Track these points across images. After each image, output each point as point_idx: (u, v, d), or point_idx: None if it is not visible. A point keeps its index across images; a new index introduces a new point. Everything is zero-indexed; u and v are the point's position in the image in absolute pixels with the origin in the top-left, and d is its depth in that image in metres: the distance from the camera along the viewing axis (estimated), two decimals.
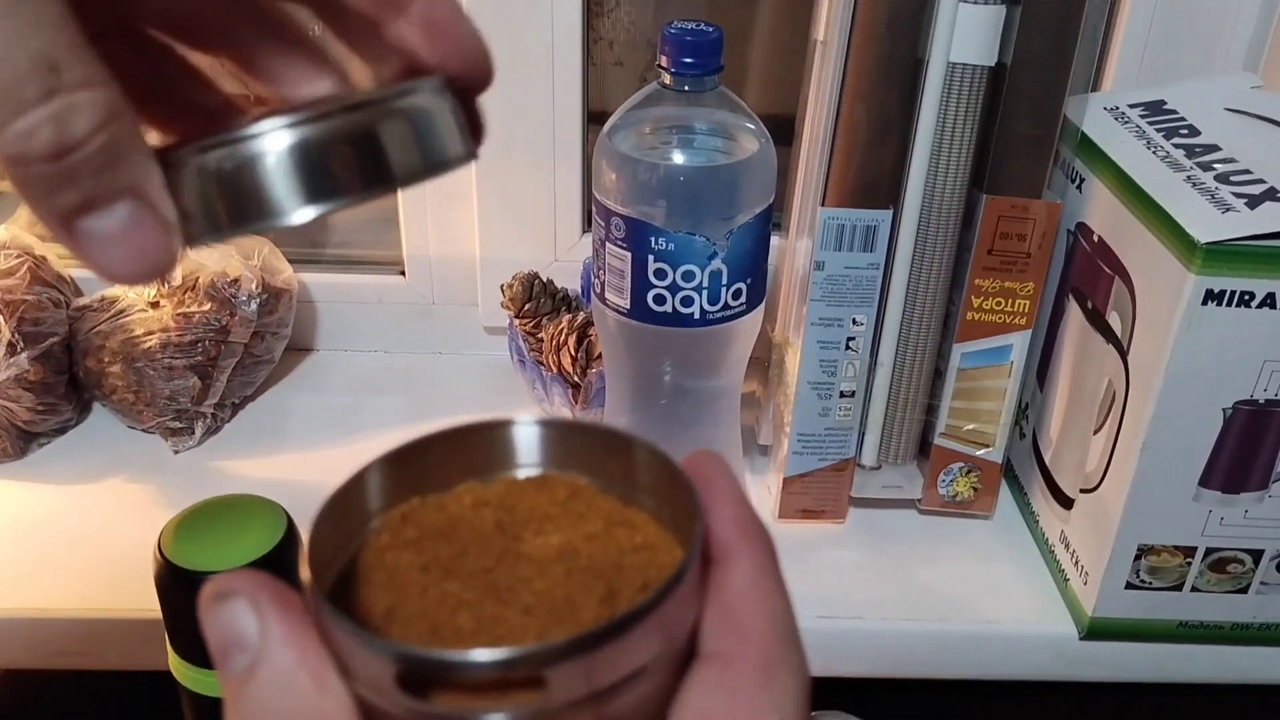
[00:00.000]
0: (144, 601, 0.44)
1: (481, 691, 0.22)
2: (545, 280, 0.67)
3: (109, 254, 0.23)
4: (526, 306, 0.66)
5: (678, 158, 0.50)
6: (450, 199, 0.73)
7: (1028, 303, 0.59)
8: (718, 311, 0.51)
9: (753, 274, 0.51)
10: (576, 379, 0.63)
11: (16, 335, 0.65)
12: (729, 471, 0.26)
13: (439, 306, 0.77)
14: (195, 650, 0.43)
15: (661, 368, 0.54)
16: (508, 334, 0.70)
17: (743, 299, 0.51)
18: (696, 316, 0.51)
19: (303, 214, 0.24)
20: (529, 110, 0.70)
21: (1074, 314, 0.60)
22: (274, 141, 0.24)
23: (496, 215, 0.73)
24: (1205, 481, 0.53)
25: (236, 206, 0.24)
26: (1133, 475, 0.54)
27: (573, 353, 0.63)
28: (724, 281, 0.50)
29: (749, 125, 0.51)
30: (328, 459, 0.68)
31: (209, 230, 0.25)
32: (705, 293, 0.50)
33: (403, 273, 0.76)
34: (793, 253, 0.63)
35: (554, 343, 0.64)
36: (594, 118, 0.73)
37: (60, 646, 0.58)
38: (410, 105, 0.26)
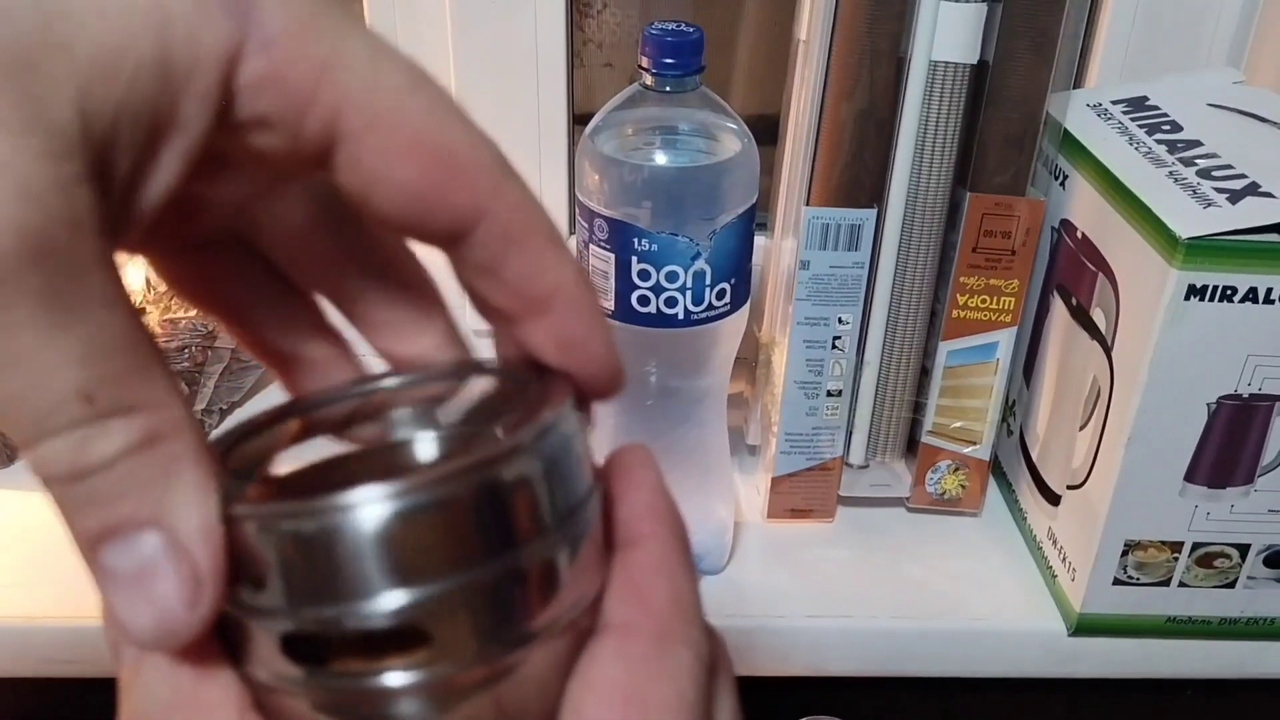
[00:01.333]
0: None
1: (372, 653, 0.21)
2: None
3: (119, 597, 0.20)
4: None
5: (660, 158, 0.50)
6: None
7: (1013, 300, 0.60)
8: (702, 312, 0.51)
9: (737, 274, 0.51)
10: None
11: None
12: (649, 461, 0.26)
13: None
14: None
15: (647, 368, 0.54)
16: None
17: (727, 299, 0.51)
18: (681, 317, 0.51)
19: (394, 599, 0.20)
20: (514, 112, 0.70)
21: (1059, 310, 0.61)
22: (371, 512, 0.20)
23: None
24: (1191, 476, 0.54)
25: (309, 582, 0.21)
26: (1118, 471, 0.54)
27: None
28: (708, 282, 0.50)
29: (731, 125, 0.51)
30: None
31: (266, 604, 0.21)
32: (689, 293, 0.50)
33: None
34: (778, 252, 0.63)
35: None
36: (584, 119, 0.73)
37: (49, 654, 0.58)
38: (546, 449, 0.22)
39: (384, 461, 0.27)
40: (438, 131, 0.22)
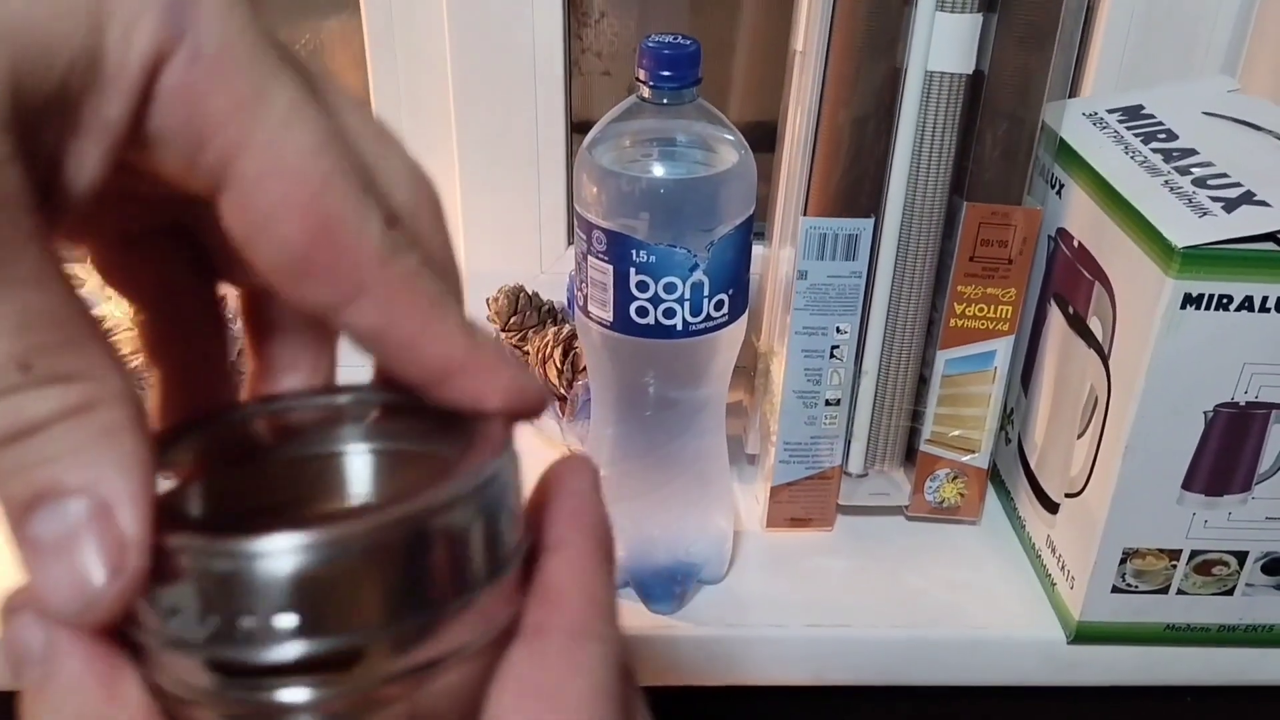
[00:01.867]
0: None
1: (283, 673, 0.21)
2: (531, 293, 0.67)
3: (41, 567, 0.20)
4: (512, 320, 0.66)
5: (657, 170, 0.50)
6: None
7: (1010, 309, 0.60)
8: (700, 323, 0.51)
9: (735, 285, 0.51)
10: (563, 391, 0.64)
11: None
12: (582, 469, 0.26)
13: None
14: None
15: (645, 379, 0.54)
16: None
17: (725, 310, 0.52)
18: (679, 328, 0.51)
19: (299, 647, 0.21)
20: (513, 122, 0.70)
21: (1056, 319, 0.61)
22: (284, 562, 0.20)
23: (481, 228, 0.73)
24: (1188, 484, 0.54)
25: (223, 614, 0.20)
26: (1116, 479, 0.54)
27: (558, 365, 0.63)
28: (706, 293, 0.50)
29: (728, 137, 0.51)
30: None
31: (177, 628, 0.21)
32: (687, 304, 0.50)
33: None
34: (776, 262, 0.64)
35: (540, 356, 0.64)
36: (582, 128, 0.73)
37: None
38: (485, 498, 0.23)
39: (315, 478, 0.27)
40: (330, 201, 0.21)
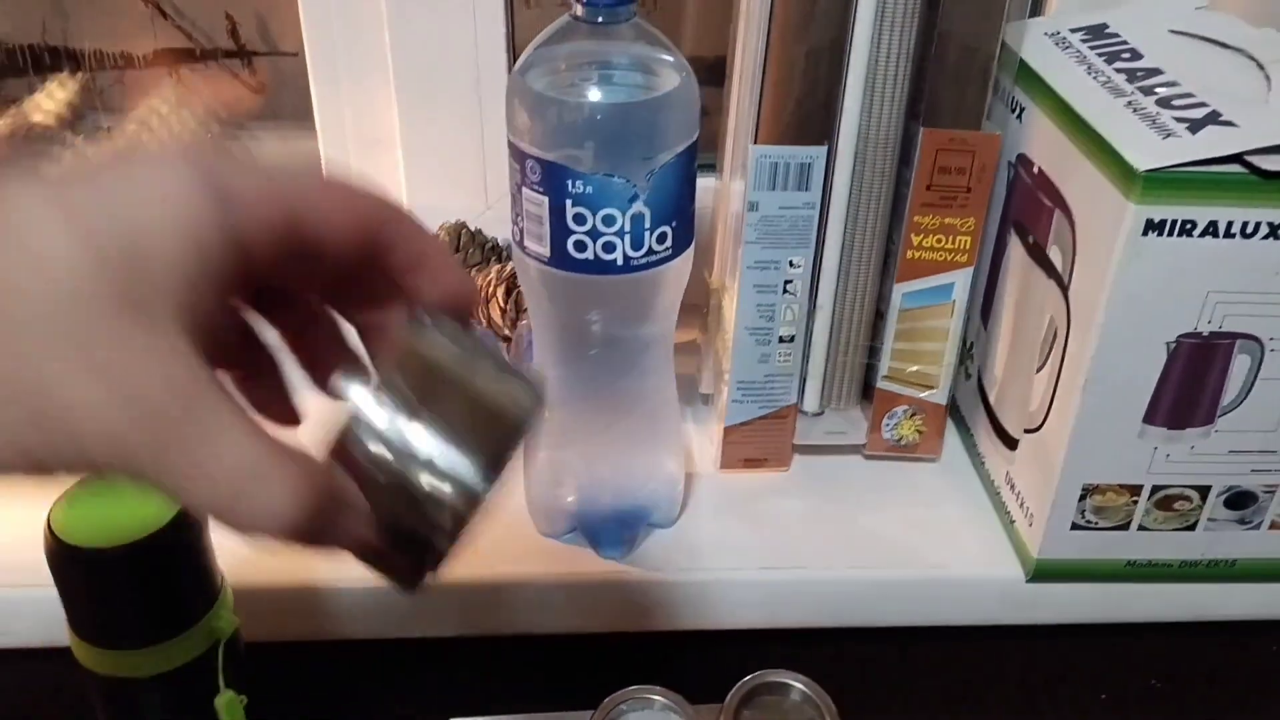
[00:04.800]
0: (45, 577, 0.42)
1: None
2: (474, 230, 0.65)
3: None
4: (454, 258, 0.63)
5: (592, 94, 0.47)
6: (373, 145, 0.70)
7: (969, 239, 0.58)
8: (642, 257, 0.49)
9: (678, 216, 0.49)
10: (507, 332, 0.61)
11: None
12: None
13: None
14: (90, 628, 0.41)
15: (588, 317, 0.51)
16: None
17: (668, 243, 0.49)
18: (620, 263, 0.48)
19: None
20: (452, 51, 0.67)
21: (1015, 249, 0.59)
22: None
23: (422, 162, 0.70)
24: (1150, 418, 0.52)
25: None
26: (1075, 413, 0.52)
27: (501, 304, 0.60)
28: (647, 225, 0.48)
29: (668, 58, 0.48)
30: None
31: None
32: (628, 237, 0.48)
33: None
34: (727, 196, 0.61)
35: (482, 295, 0.61)
36: None
37: None
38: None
39: None
40: (383, 200, 0.30)
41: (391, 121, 0.68)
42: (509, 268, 0.62)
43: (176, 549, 0.41)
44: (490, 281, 0.61)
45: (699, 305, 0.67)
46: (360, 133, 0.69)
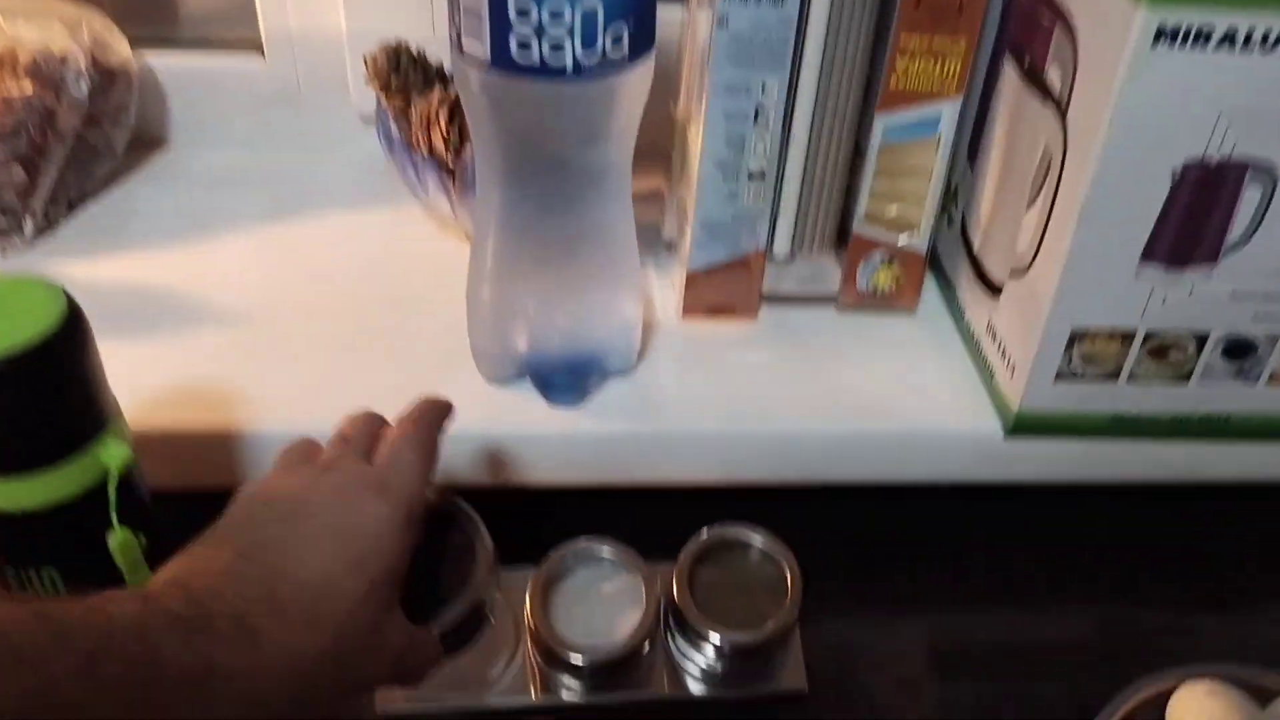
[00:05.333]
0: None
1: None
2: (416, 52, 0.59)
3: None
4: (394, 81, 0.57)
5: None
6: None
7: (959, 64, 0.52)
8: (595, 61, 0.43)
9: (635, 14, 0.43)
10: (450, 164, 0.56)
11: None
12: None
13: (306, 92, 0.68)
14: None
15: (535, 134, 0.46)
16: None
17: (624, 46, 0.44)
18: (570, 67, 0.43)
19: None
20: None
21: (1009, 77, 0.54)
22: None
23: None
24: (1149, 254, 0.48)
25: None
26: (1067, 251, 0.48)
27: (444, 131, 0.55)
28: (599, 22, 0.42)
29: None
30: (175, 264, 0.61)
31: None
32: (578, 36, 0.42)
33: (262, 53, 0.67)
34: (695, 23, 0.55)
35: (424, 120, 0.56)
36: None
37: None
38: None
39: None
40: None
41: None
42: (454, 93, 0.56)
43: (57, 364, 0.36)
44: (431, 106, 0.55)
45: (662, 150, 0.62)
46: None
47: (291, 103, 0.68)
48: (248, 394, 0.53)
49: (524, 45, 0.43)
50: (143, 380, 0.51)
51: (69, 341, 0.36)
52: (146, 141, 0.69)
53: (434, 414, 0.44)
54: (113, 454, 0.38)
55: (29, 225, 0.60)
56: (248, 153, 0.69)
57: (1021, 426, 0.53)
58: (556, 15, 0.42)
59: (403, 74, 0.57)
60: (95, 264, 0.60)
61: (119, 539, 0.39)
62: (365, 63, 0.58)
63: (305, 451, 0.42)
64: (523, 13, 0.42)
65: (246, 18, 0.66)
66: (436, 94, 0.56)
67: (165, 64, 0.67)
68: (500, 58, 0.43)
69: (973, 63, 0.52)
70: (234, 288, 0.59)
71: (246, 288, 0.59)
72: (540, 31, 0.42)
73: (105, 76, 0.62)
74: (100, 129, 0.63)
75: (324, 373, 0.54)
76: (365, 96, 0.64)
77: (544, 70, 0.43)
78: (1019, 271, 0.52)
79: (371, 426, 0.43)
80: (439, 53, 0.62)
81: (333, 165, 0.68)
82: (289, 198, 0.66)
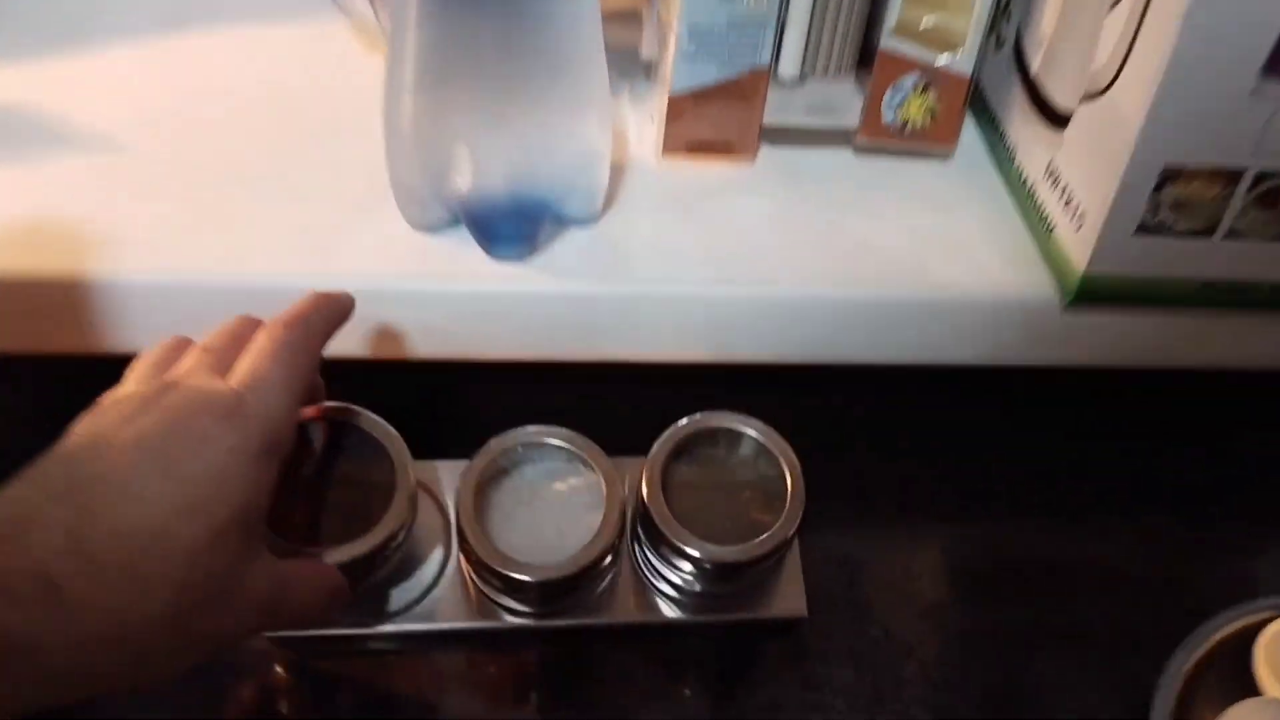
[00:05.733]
0: None
1: None
2: None
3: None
4: None
5: None
6: None
7: None
8: None
9: None
10: None
11: None
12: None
13: None
14: None
15: None
16: None
17: None
18: None
19: None
20: None
21: None
22: None
23: None
24: (1272, 66, 0.36)
25: None
26: (1166, 62, 0.36)
27: None
28: None
29: None
30: (41, 73, 0.50)
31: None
32: None
33: None
34: None
35: None
36: None
37: None
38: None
39: None
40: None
41: None
42: None
43: None
44: None
45: None
46: None
47: None
48: (113, 234, 0.42)
49: None
50: None
51: None
52: None
53: (319, 315, 0.36)
54: None
55: None
56: None
57: (1087, 293, 0.42)
58: None
59: None
60: None
61: None
62: None
63: (162, 360, 0.35)
64: None
65: None
66: None
67: None
68: None
69: None
70: (109, 104, 0.48)
71: (125, 105, 0.48)
72: None
73: None
74: None
75: (209, 211, 0.44)
76: None
77: None
78: (1094, 94, 0.41)
79: (243, 332, 0.35)
80: None
81: None
82: (187, 2, 0.54)
